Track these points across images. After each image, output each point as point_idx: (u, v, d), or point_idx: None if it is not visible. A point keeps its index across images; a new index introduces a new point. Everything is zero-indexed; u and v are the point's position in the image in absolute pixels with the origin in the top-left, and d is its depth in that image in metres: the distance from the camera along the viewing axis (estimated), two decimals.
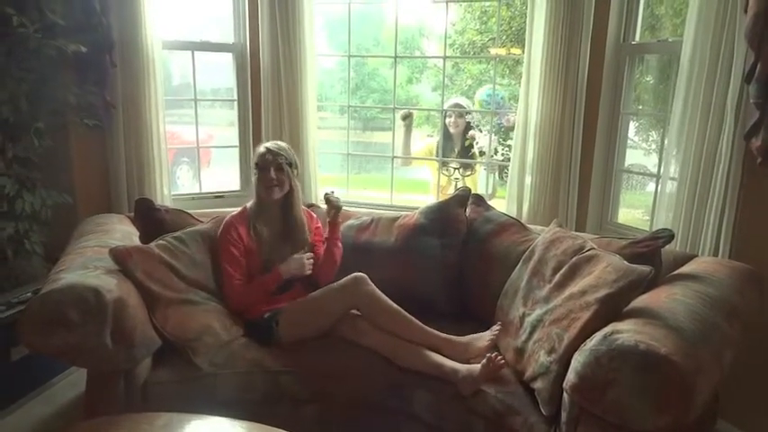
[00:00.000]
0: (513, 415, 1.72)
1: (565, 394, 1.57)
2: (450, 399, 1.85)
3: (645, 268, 1.65)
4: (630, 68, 2.72)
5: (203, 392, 1.91)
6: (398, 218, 2.55)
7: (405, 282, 2.35)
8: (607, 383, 1.39)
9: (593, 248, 1.90)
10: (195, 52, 3.16)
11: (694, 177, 2.18)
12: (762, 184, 2.05)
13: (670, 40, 2.65)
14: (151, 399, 1.87)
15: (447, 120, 3.67)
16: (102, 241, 2.13)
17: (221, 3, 3.16)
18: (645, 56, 2.86)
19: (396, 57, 3.40)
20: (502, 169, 3.75)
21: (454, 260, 2.39)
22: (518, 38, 5.82)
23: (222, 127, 4.32)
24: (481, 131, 3.82)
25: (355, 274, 2.12)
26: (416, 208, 2.61)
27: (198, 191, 3.35)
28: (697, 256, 2.10)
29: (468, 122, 3.77)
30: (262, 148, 2.27)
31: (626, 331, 1.44)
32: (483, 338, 1.99)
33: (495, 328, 2.01)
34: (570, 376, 1.50)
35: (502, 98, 5.03)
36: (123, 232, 2.31)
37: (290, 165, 2.28)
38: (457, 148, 3.73)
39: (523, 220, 2.63)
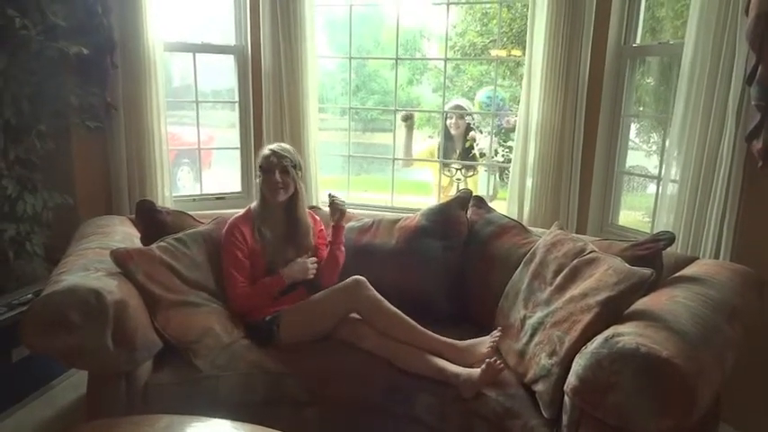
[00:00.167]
0: (514, 418, 1.72)
1: (566, 397, 1.57)
2: (452, 401, 1.85)
3: (646, 271, 1.65)
4: (631, 70, 2.72)
5: (204, 394, 1.91)
6: (399, 220, 2.55)
7: (405, 284, 2.35)
8: (608, 386, 1.39)
9: (594, 251, 1.90)
10: (196, 54, 3.16)
11: (695, 179, 2.18)
12: (763, 187, 2.05)
13: (671, 42, 2.65)
14: (152, 401, 1.87)
15: (448, 121, 3.67)
16: (103, 243, 2.13)
17: (222, 5, 3.17)
18: (646, 58, 2.87)
19: (397, 58, 3.40)
20: (503, 171, 3.75)
21: (455, 262, 2.39)
22: (519, 39, 5.83)
23: (223, 128, 4.32)
24: (481, 132, 3.82)
25: (355, 277, 2.12)
26: (417, 210, 2.60)
27: (199, 192, 3.35)
28: (698, 258, 2.09)
29: (469, 124, 3.77)
30: (266, 151, 2.27)
31: (627, 334, 1.44)
32: (484, 344, 1.98)
33: (496, 333, 2.01)
34: (571, 379, 1.50)
35: (502, 100, 5.03)
36: (124, 234, 2.31)
37: (295, 167, 2.28)
38: (458, 149, 3.73)
39: (524, 223, 2.63)
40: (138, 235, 2.35)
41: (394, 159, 3.56)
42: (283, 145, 2.34)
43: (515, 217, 2.72)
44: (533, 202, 2.79)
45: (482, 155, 3.65)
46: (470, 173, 3.68)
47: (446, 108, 3.70)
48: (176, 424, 1.46)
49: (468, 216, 2.50)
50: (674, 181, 2.31)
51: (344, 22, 3.33)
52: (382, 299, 2.08)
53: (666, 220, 2.32)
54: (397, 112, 3.55)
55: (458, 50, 6.88)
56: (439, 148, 3.63)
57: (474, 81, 7.39)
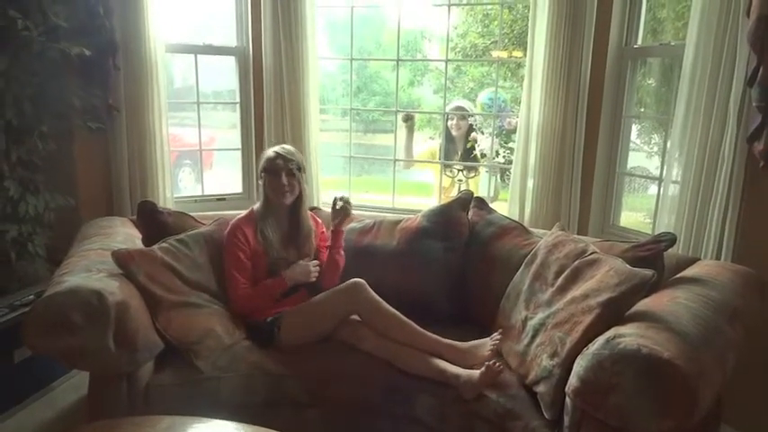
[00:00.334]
0: (515, 419, 1.72)
1: (567, 398, 1.57)
2: (453, 402, 1.85)
3: (647, 272, 1.65)
4: (633, 71, 2.72)
5: (205, 395, 1.91)
6: (400, 221, 2.55)
7: (407, 285, 2.35)
8: (610, 387, 1.39)
9: (596, 252, 1.90)
10: (198, 55, 3.17)
11: (697, 180, 2.18)
12: (764, 188, 2.05)
13: (672, 43, 2.65)
14: (153, 402, 1.87)
15: (449, 122, 3.68)
16: (104, 244, 2.13)
17: (224, 6, 3.17)
18: (647, 59, 2.87)
19: (398, 60, 3.41)
20: (504, 172, 3.76)
21: (456, 263, 2.39)
22: (520, 41, 5.83)
23: (224, 129, 4.33)
24: (483, 134, 3.83)
25: (354, 280, 2.12)
26: (419, 211, 2.61)
27: (200, 193, 3.36)
28: (700, 259, 2.09)
29: (471, 125, 3.77)
30: (271, 153, 2.26)
31: (628, 335, 1.44)
32: (485, 346, 1.98)
33: (496, 335, 2.00)
34: (573, 380, 1.49)
35: (503, 101, 5.03)
36: (126, 235, 2.31)
37: (300, 169, 2.28)
38: (459, 150, 3.74)
39: (525, 224, 2.63)
40: (140, 236, 2.36)
41: (395, 160, 3.56)
42: (287, 147, 2.34)
43: (516, 218, 2.72)
44: (534, 204, 2.79)
45: (483, 156, 3.65)
46: (472, 174, 3.68)
47: (447, 109, 3.70)
48: (178, 425, 1.46)
49: (470, 217, 2.50)
50: (675, 182, 2.30)
51: (345, 24, 3.33)
52: (381, 301, 2.08)
53: (668, 222, 2.32)
54: (398, 114, 3.55)
55: (459, 52, 6.88)
56: (440, 150, 3.64)
57: (475, 82, 7.39)
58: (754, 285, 1.89)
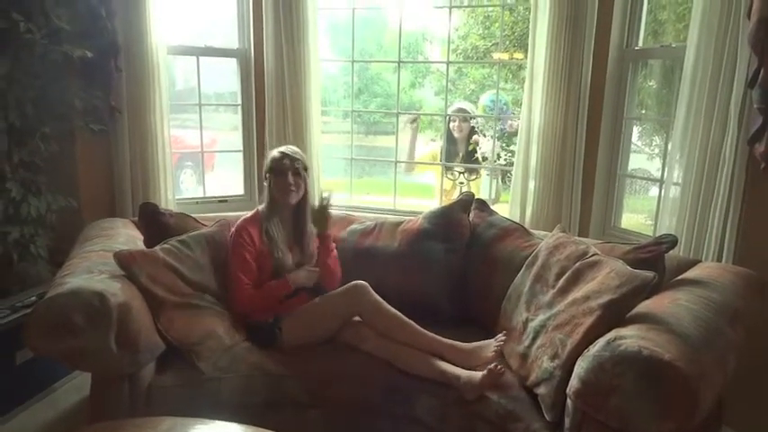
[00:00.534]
0: (516, 420, 1.72)
1: (568, 400, 1.57)
2: (453, 403, 1.85)
3: (648, 274, 1.65)
4: (634, 73, 2.72)
5: (207, 396, 1.91)
6: (402, 222, 2.55)
7: (408, 286, 2.35)
8: (610, 389, 1.39)
9: (597, 254, 1.90)
10: (200, 57, 3.18)
11: (698, 182, 2.18)
12: (765, 189, 2.05)
13: (673, 45, 2.65)
14: (155, 403, 1.87)
15: (451, 124, 3.68)
16: (106, 245, 2.13)
17: (226, 8, 3.18)
18: (648, 61, 2.87)
19: (399, 62, 3.41)
20: (505, 174, 3.76)
21: (457, 265, 2.39)
22: (521, 43, 5.82)
23: (226, 131, 4.34)
24: (485, 136, 3.83)
25: (355, 282, 2.12)
26: (420, 212, 2.61)
27: (202, 195, 3.36)
28: (701, 261, 2.09)
29: (473, 127, 3.78)
30: (277, 153, 2.28)
31: (629, 337, 1.44)
32: (488, 347, 1.98)
33: (501, 337, 2.00)
34: (573, 382, 1.50)
35: (505, 104, 5.04)
36: (128, 236, 2.32)
37: (305, 169, 2.30)
38: (461, 152, 3.74)
39: (527, 225, 2.63)
40: (142, 237, 2.36)
41: (396, 162, 3.57)
42: (292, 147, 2.36)
43: (518, 220, 2.73)
44: (535, 205, 2.79)
45: (485, 159, 3.66)
46: (473, 176, 3.69)
47: (449, 111, 3.71)
48: (179, 426, 1.47)
49: (471, 219, 2.50)
50: (676, 184, 2.30)
51: (347, 26, 3.34)
52: (383, 302, 2.08)
53: (669, 223, 2.32)
54: (399, 115, 3.56)
55: (460, 54, 6.88)
56: (441, 152, 3.64)
57: (476, 84, 7.39)
58: (755, 287, 1.89)
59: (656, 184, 2.77)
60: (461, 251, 2.41)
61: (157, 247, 2.11)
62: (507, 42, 6.06)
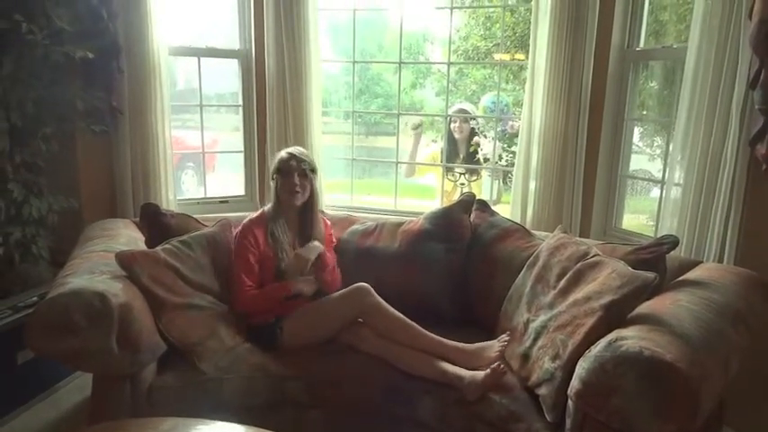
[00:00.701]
0: (517, 421, 1.72)
1: (569, 401, 1.57)
2: (455, 404, 1.85)
3: (649, 275, 1.65)
4: (635, 74, 2.72)
5: (208, 397, 1.91)
6: (403, 223, 2.55)
7: (409, 287, 2.35)
8: (612, 390, 1.39)
9: (598, 254, 1.90)
10: (201, 58, 3.18)
11: (699, 183, 2.18)
12: (767, 190, 2.05)
13: (674, 46, 2.65)
14: (156, 403, 1.88)
15: (452, 125, 3.68)
16: (107, 246, 2.14)
17: (227, 9, 3.19)
18: (649, 62, 2.87)
19: (400, 62, 3.41)
20: (506, 175, 3.76)
21: (458, 265, 2.39)
22: (522, 43, 5.83)
23: (227, 132, 4.34)
24: (485, 137, 3.82)
25: (358, 284, 2.12)
26: (421, 213, 2.61)
27: (203, 196, 3.36)
28: (702, 262, 2.09)
29: (473, 128, 3.77)
30: (284, 154, 2.27)
31: (631, 338, 1.44)
32: (492, 348, 1.97)
33: (504, 337, 1.99)
34: (575, 383, 1.50)
35: (506, 105, 5.03)
36: (129, 237, 2.32)
37: (312, 171, 2.29)
38: (462, 153, 3.73)
39: (528, 226, 2.63)
40: (143, 238, 2.36)
41: (397, 163, 3.57)
42: (300, 148, 2.35)
43: (519, 221, 2.72)
44: (536, 206, 2.79)
45: (486, 160, 3.65)
46: (474, 177, 3.68)
47: (450, 112, 3.70)
48: (180, 426, 1.47)
49: (472, 219, 2.50)
50: (677, 185, 2.30)
51: (348, 27, 3.34)
52: (385, 304, 2.08)
53: (670, 224, 2.32)
54: (400, 116, 3.56)
55: (461, 54, 6.89)
56: (442, 153, 3.64)
57: (477, 85, 7.39)
58: (757, 288, 1.89)
59: (657, 184, 2.77)
60: (462, 252, 2.41)
61: (158, 248, 2.11)
62: (508, 43, 6.07)
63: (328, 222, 2.49)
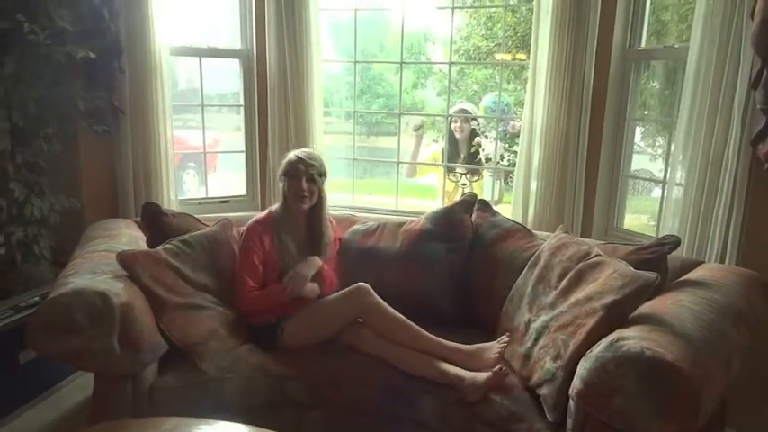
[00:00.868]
0: (518, 421, 1.72)
1: (570, 401, 1.57)
2: (455, 405, 1.84)
3: (651, 275, 1.65)
4: (636, 74, 2.72)
5: (209, 397, 1.92)
6: (404, 223, 2.55)
7: (410, 287, 2.35)
8: (613, 390, 1.39)
9: (599, 255, 1.90)
10: (202, 58, 3.18)
11: (701, 183, 2.17)
12: None
13: (676, 45, 2.65)
14: (158, 403, 1.88)
15: (453, 125, 3.67)
16: (109, 246, 2.14)
17: (228, 9, 3.19)
18: (651, 62, 2.86)
19: (401, 63, 3.41)
20: (507, 175, 3.75)
21: (460, 265, 2.39)
22: (523, 43, 5.83)
23: (228, 132, 4.34)
24: (487, 138, 3.82)
25: (358, 284, 2.12)
26: (422, 213, 2.61)
27: (204, 195, 3.37)
28: (704, 262, 2.09)
29: (474, 129, 3.77)
30: (293, 157, 2.25)
31: (632, 338, 1.44)
32: (491, 349, 1.96)
33: (504, 338, 1.98)
34: (576, 383, 1.49)
35: (507, 105, 5.03)
36: (130, 237, 2.32)
37: (321, 175, 2.27)
38: (463, 153, 3.73)
39: (529, 226, 2.63)
40: (144, 238, 2.36)
41: (398, 163, 3.57)
42: (309, 151, 2.33)
43: (520, 221, 2.72)
44: (538, 206, 2.79)
45: (488, 160, 3.65)
46: (475, 177, 3.68)
47: (451, 112, 3.70)
48: (182, 426, 1.47)
49: (473, 219, 2.50)
50: (679, 185, 2.30)
51: (349, 27, 3.34)
52: (385, 304, 2.08)
53: (672, 224, 2.32)
54: (401, 116, 3.56)
55: (462, 54, 6.89)
56: (443, 153, 3.64)
57: (479, 85, 7.39)
58: (759, 288, 1.89)
59: (658, 184, 2.77)
60: (463, 252, 2.41)
61: (160, 248, 2.11)
62: (510, 43, 6.07)
63: (334, 225, 2.47)
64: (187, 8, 3.23)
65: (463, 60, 6.86)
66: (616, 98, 2.73)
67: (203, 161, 3.56)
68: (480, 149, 3.70)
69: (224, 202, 3.31)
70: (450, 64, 3.52)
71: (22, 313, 2.34)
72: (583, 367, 1.48)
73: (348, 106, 4.01)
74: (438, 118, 5.90)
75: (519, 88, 6.01)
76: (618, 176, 2.80)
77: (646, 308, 1.66)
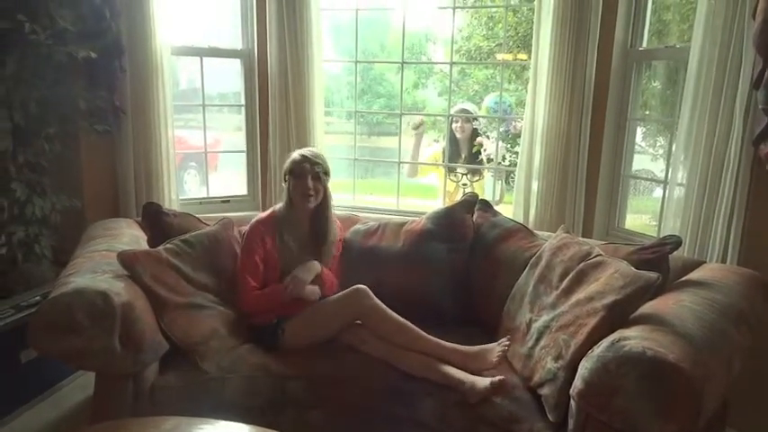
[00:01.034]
0: (519, 422, 1.71)
1: (572, 401, 1.56)
2: (456, 405, 1.84)
3: (652, 275, 1.65)
4: (638, 74, 2.72)
5: (210, 396, 1.92)
6: (405, 223, 2.55)
7: (411, 287, 2.35)
8: (614, 390, 1.39)
9: (601, 255, 1.89)
10: (203, 58, 3.19)
11: (702, 183, 2.17)
12: None
13: (677, 45, 2.64)
14: (159, 402, 1.88)
15: (453, 125, 3.67)
16: (110, 245, 2.14)
17: (229, 9, 3.19)
18: (652, 62, 2.86)
19: (402, 62, 3.41)
20: (508, 175, 3.75)
21: (461, 265, 2.39)
22: (525, 43, 5.83)
23: (229, 132, 4.34)
24: (488, 138, 3.82)
25: (356, 287, 2.11)
26: (423, 213, 2.61)
27: (205, 195, 3.37)
28: (705, 262, 2.09)
29: (475, 129, 3.77)
30: (298, 156, 2.25)
31: (633, 338, 1.44)
32: (493, 352, 1.95)
33: (505, 341, 1.97)
34: (577, 383, 1.49)
35: (509, 105, 5.03)
36: (131, 236, 2.32)
37: (326, 174, 2.27)
38: (464, 153, 3.73)
39: (530, 226, 2.63)
40: (145, 237, 2.37)
41: (399, 163, 3.57)
42: (314, 150, 2.33)
43: (521, 221, 2.72)
44: (539, 206, 2.79)
45: (490, 161, 3.65)
46: (476, 177, 3.68)
47: (452, 111, 3.70)
48: (183, 426, 1.47)
49: (474, 219, 2.50)
50: (680, 185, 2.30)
51: (350, 27, 3.34)
52: (385, 307, 2.07)
53: (673, 224, 2.31)
54: (402, 116, 3.55)
55: (463, 54, 6.88)
56: (444, 153, 3.63)
57: (480, 85, 7.39)
58: (760, 288, 1.88)
59: (660, 184, 2.76)
60: (465, 251, 2.41)
61: (161, 247, 2.11)
62: (511, 43, 6.07)
63: (339, 225, 2.46)
64: (188, 8, 3.23)
65: (464, 60, 6.86)
66: (617, 98, 2.72)
67: (204, 161, 3.56)
68: (482, 150, 3.70)
69: (225, 201, 3.31)
70: (452, 64, 3.52)
71: (23, 313, 2.34)
72: (584, 367, 1.48)
73: (349, 106, 4.01)
74: (439, 118, 5.90)
75: (520, 88, 6.01)
76: (619, 176, 2.79)
77: (647, 308, 1.65)
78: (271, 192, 3.17)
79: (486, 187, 3.88)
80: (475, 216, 2.51)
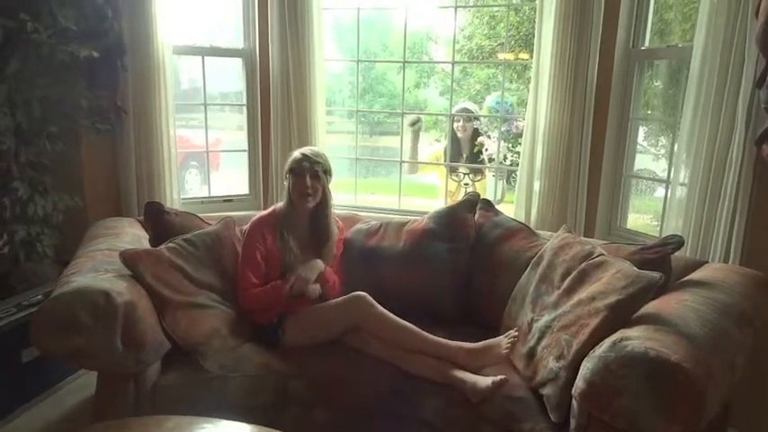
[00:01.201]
0: (521, 421, 1.71)
1: (573, 401, 1.56)
2: (459, 404, 1.84)
3: (654, 274, 1.64)
4: (640, 74, 2.71)
5: (212, 396, 1.92)
6: (407, 222, 2.55)
7: (412, 286, 2.35)
8: (616, 390, 1.39)
9: (603, 254, 1.89)
10: (205, 57, 3.19)
11: (704, 183, 2.17)
12: None
13: (680, 45, 2.64)
14: (160, 402, 1.88)
15: (455, 124, 3.67)
16: (112, 244, 2.14)
17: (231, 8, 3.19)
18: (654, 61, 2.85)
19: (404, 62, 3.41)
20: (510, 174, 3.75)
21: (462, 265, 2.38)
22: (526, 43, 5.83)
23: (231, 131, 4.34)
24: (490, 137, 3.82)
25: (356, 294, 2.10)
26: (425, 212, 2.61)
27: (207, 194, 3.37)
28: (707, 262, 2.09)
29: (476, 129, 3.77)
30: (298, 154, 2.25)
31: (635, 338, 1.44)
32: (500, 346, 1.95)
33: (513, 333, 1.97)
34: (579, 383, 1.49)
35: (510, 105, 5.02)
36: (133, 236, 2.33)
37: (326, 173, 2.27)
38: (465, 153, 3.73)
39: (532, 226, 2.62)
40: (147, 236, 2.37)
41: (401, 162, 3.56)
42: (315, 149, 2.33)
43: (523, 220, 2.72)
44: (541, 206, 2.79)
45: (491, 160, 3.65)
46: (478, 177, 3.68)
47: (453, 111, 3.70)
48: (184, 425, 1.47)
49: (476, 219, 2.50)
50: (682, 184, 2.29)
51: (352, 26, 3.34)
52: (385, 312, 2.06)
53: (675, 224, 2.31)
54: (404, 116, 3.55)
55: (465, 54, 6.88)
56: (445, 152, 3.63)
57: (481, 84, 7.39)
58: (763, 288, 1.88)
59: (662, 184, 2.76)
60: (466, 251, 2.41)
61: (162, 246, 2.11)
62: (512, 42, 6.06)
63: (341, 225, 2.47)
64: (190, 7, 3.23)
65: (466, 60, 6.85)
66: (619, 98, 2.72)
67: (206, 160, 3.56)
68: (484, 149, 3.70)
69: (227, 200, 3.31)
70: (453, 63, 3.51)
71: (25, 312, 2.35)
72: (586, 367, 1.48)
73: (350, 105, 4.01)
74: (440, 117, 5.89)
75: (522, 88, 6.01)
76: (621, 176, 2.79)
77: (649, 308, 1.65)
78: (272, 191, 3.17)
79: (488, 187, 3.88)
80: (476, 216, 2.51)
